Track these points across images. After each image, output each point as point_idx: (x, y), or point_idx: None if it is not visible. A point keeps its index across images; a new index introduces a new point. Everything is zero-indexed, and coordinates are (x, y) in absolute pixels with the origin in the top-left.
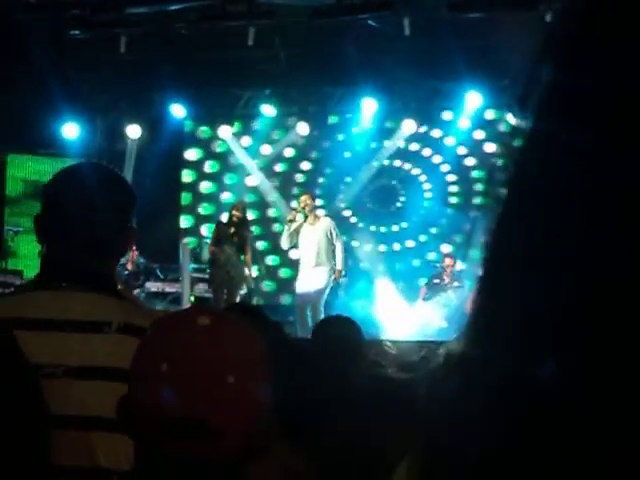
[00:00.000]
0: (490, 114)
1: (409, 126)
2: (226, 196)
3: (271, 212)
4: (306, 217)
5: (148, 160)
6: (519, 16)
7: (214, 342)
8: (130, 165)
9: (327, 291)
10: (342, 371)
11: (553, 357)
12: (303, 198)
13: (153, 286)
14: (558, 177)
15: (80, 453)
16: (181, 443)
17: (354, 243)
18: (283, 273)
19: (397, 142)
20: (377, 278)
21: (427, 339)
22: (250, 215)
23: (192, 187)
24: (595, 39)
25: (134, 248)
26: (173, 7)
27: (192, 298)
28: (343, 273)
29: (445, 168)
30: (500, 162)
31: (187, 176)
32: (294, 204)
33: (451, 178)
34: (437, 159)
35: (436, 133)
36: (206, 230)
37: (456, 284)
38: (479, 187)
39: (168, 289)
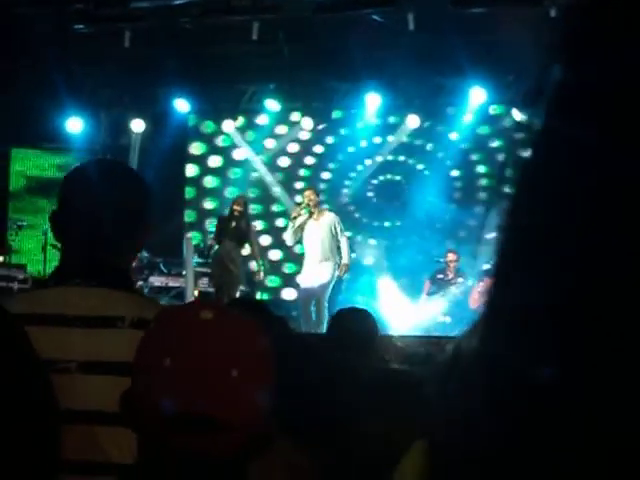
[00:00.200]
0: (494, 110)
1: (413, 121)
2: (230, 191)
3: (275, 207)
4: (310, 213)
5: (152, 154)
6: (523, 11)
7: (217, 336)
8: (134, 159)
9: (331, 286)
10: (351, 365)
11: (553, 357)
12: (307, 193)
13: (157, 280)
14: (559, 175)
15: (93, 448)
16: (184, 438)
17: (358, 238)
18: (287, 268)
19: (401, 137)
20: (380, 273)
21: (431, 334)
22: (253, 209)
23: (196, 181)
24: (600, 35)
25: None
26: (177, 1)
27: (196, 293)
28: (348, 267)
29: (449, 163)
30: (504, 158)
31: (191, 170)
32: (298, 199)
33: (455, 173)
34: (441, 154)
35: (440, 128)
36: (210, 225)
37: (460, 279)
38: (483, 182)
39: (172, 284)
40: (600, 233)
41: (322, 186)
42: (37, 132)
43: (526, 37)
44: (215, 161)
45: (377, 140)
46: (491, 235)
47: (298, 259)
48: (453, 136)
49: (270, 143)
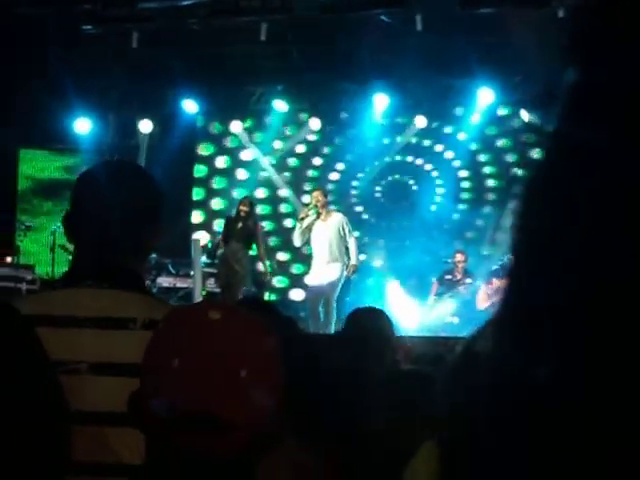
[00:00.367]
0: (502, 110)
1: (421, 122)
2: (238, 191)
3: (283, 208)
4: (318, 214)
5: (160, 155)
6: (531, 12)
7: (226, 336)
8: (142, 160)
9: (339, 286)
10: (362, 365)
11: (554, 357)
12: (315, 194)
13: (165, 281)
14: (566, 176)
15: (104, 449)
16: (192, 437)
17: (365, 239)
18: (295, 269)
19: (409, 138)
20: (388, 274)
21: (439, 335)
22: (261, 210)
23: (204, 182)
24: (609, 36)
25: None
26: (185, 2)
27: (204, 293)
28: (357, 268)
29: (457, 164)
30: (512, 158)
31: (199, 171)
32: (306, 199)
33: (463, 174)
34: (449, 155)
35: (448, 129)
36: (218, 225)
37: (468, 280)
38: (491, 183)
39: (180, 284)
40: (603, 235)
41: (330, 187)
42: (45, 133)
43: (534, 38)
44: (223, 162)
45: (385, 141)
46: (499, 236)
47: (306, 260)
48: (461, 137)
49: (278, 144)
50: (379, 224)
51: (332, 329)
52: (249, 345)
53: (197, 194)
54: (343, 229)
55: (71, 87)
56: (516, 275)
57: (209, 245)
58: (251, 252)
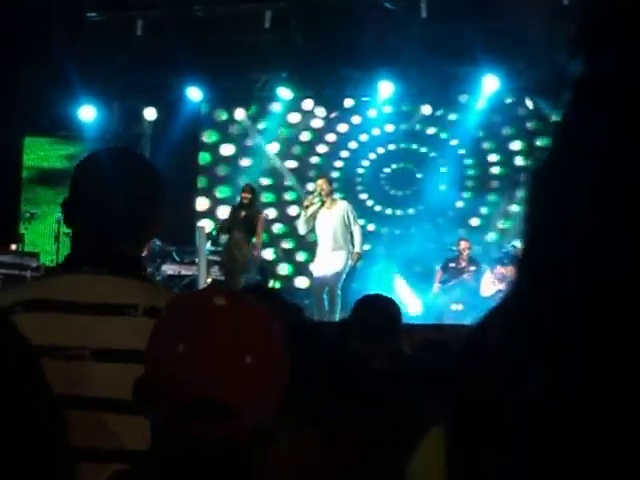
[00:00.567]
0: (507, 98)
1: (425, 109)
2: (243, 179)
3: (287, 195)
4: (323, 202)
5: (165, 143)
6: None
7: (231, 322)
8: (147, 148)
9: (344, 275)
10: (368, 352)
11: (551, 353)
12: (319, 182)
13: (169, 269)
14: (566, 168)
15: (106, 435)
16: (197, 424)
17: (370, 226)
18: (299, 256)
19: (413, 125)
20: (393, 262)
21: (443, 322)
22: (265, 198)
23: (208, 170)
24: (616, 25)
25: None
26: None
27: (208, 281)
28: (360, 256)
29: (462, 151)
30: (517, 146)
31: (203, 159)
32: (310, 187)
33: (467, 161)
34: (454, 142)
35: (453, 116)
36: (222, 213)
37: (472, 268)
38: (495, 171)
39: (184, 272)
40: (601, 231)
41: (334, 174)
42: (50, 120)
43: (539, 24)
44: (228, 149)
45: (389, 128)
46: (502, 224)
47: (310, 247)
48: (466, 124)
49: (282, 131)
50: (384, 212)
51: (337, 317)
52: (254, 331)
53: (201, 182)
54: (348, 217)
55: (75, 74)
56: (524, 264)
57: (213, 232)
58: (254, 239)
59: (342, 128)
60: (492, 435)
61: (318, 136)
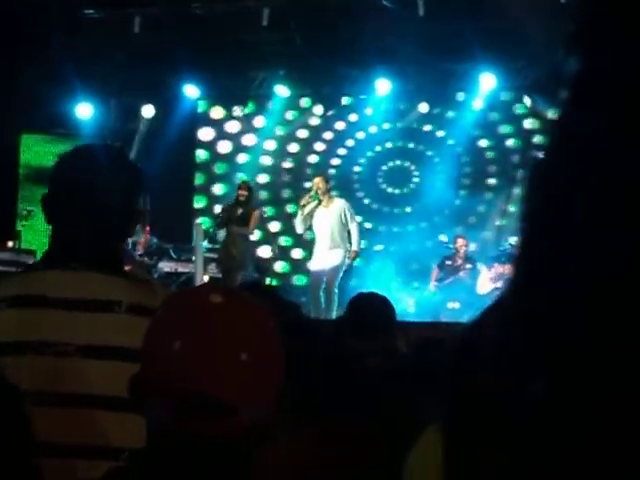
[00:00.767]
0: (504, 95)
1: (423, 107)
2: (240, 176)
3: (284, 193)
4: (319, 200)
5: (162, 140)
6: None
7: (227, 319)
8: (144, 145)
9: (341, 272)
10: (364, 350)
11: (549, 351)
12: (316, 181)
13: (166, 266)
14: (563, 167)
15: (91, 432)
16: (193, 421)
17: (367, 224)
18: (296, 254)
19: (411, 123)
20: (390, 259)
21: (440, 320)
22: (262, 196)
23: (206, 167)
24: (614, 23)
25: (147, 228)
26: None
27: (205, 278)
28: (358, 254)
29: (459, 149)
30: (514, 144)
31: (200, 156)
32: (308, 184)
33: (464, 159)
34: (451, 140)
35: (450, 114)
36: (219, 210)
37: (468, 265)
38: (492, 168)
39: (181, 269)
40: (600, 232)
41: (331, 172)
42: (47, 118)
43: (536, 22)
44: (225, 147)
45: (387, 126)
46: (499, 221)
47: (308, 245)
48: (463, 122)
49: (280, 129)
50: (381, 209)
51: (334, 314)
52: (250, 328)
53: (199, 179)
54: (345, 215)
55: (73, 72)
56: (521, 261)
57: (210, 230)
58: (252, 237)
59: (339, 126)
60: (489, 433)
61: (315, 134)
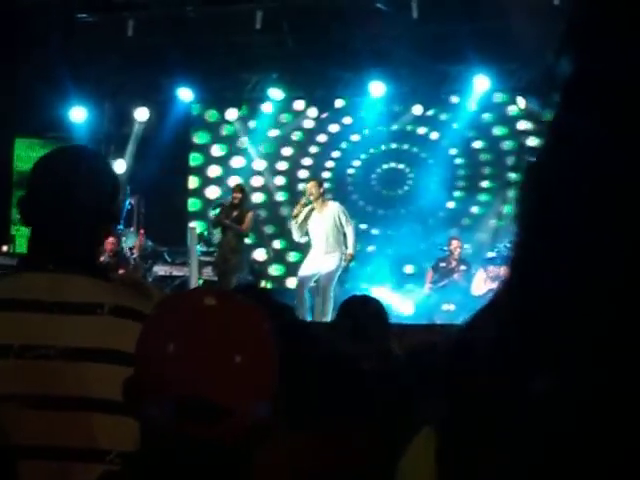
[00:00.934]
0: (498, 97)
1: (417, 109)
2: (234, 180)
3: (278, 196)
4: (312, 207)
5: (156, 144)
6: None
7: (221, 322)
8: (138, 149)
9: (337, 276)
10: (357, 353)
11: (544, 351)
12: (308, 186)
13: (161, 270)
14: (557, 168)
15: (76, 434)
16: (188, 424)
17: (362, 226)
18: (291, 257)
19: (405, 125)
20: (384, 262)
21: (434, 322)
22: (256, 198)
23: (200, 170)
24: (608, 25)
25: (142, 232)
26: None
27: (200, 282)
28: (353, 257)
29: (453, 151)
30: (508, 146)
31: (195, 159)
32: (301, 186)
33: (459, 161)
34: (445, 142)
35: (444, 116)
36: (213, 214)
37: (463, 267)
38: (487, 170)
39: (176, 273)
40: (593, 232)
41: (326, 175)
42: (41, 121)
43: (530, 25)
44: (219, 150)
45: (381, 128)
46: (494, 223)
47: (302, 248)
48: (457, 124)
49: (274, 132)
50: (375, 212)
51: (329, 318)
52: (244, 331)
53: (193, 182)
54: (339, 218)
55: (66, 75)
56: (515, 262)
57: (205, 233)
58: (247, 240)
59: (333, 128)
60: (487, 433)
61: (309, 136)
